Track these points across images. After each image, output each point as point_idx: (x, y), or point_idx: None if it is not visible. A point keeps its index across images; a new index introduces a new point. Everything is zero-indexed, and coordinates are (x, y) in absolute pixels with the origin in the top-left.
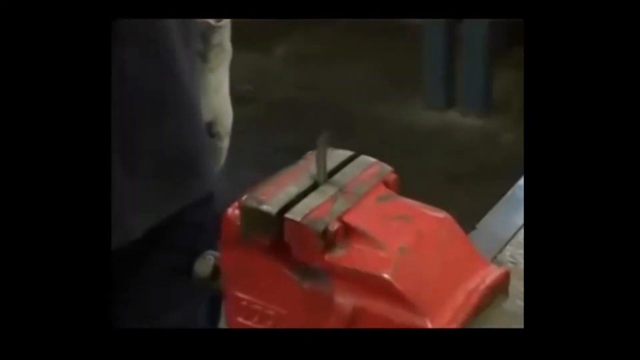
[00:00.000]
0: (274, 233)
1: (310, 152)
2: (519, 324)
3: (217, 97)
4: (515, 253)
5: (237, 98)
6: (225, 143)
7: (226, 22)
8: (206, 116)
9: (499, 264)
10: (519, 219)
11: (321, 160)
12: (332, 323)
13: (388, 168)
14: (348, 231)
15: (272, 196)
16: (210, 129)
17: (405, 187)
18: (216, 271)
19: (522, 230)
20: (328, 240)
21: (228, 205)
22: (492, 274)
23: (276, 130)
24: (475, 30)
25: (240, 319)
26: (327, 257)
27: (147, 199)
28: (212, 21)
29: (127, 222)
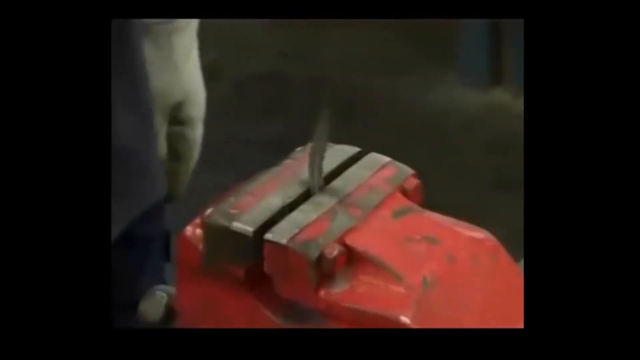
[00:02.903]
0: (249, 260)
1: (299, 148)
2: None
3: (187, 66)
4: None
5: None
6: (199, 131)
7: None
8: (175, 95)
9: None
10: None
11: (315, 160)
12: None
13: (408, 170)
14: (352, 258)
15: (247, 210)
16: (179, 114)
17: (432, 196)
18: (170, 313)
19: None
20: (324, 270)
21: (186, 222)
22: None
23: (251, 118)
24: None
25: None
26: (322, 293)
27: None
28: None
29: None
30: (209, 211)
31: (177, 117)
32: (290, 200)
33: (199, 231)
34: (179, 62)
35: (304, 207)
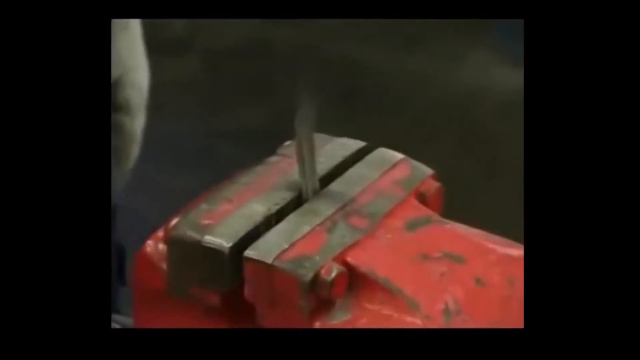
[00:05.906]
0: (226, 284)
1: (289, 142)
2: None
3: (125, 37)
4: None
5: (158, 45)
6: (138, 121)
7: None
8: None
9: None
10: None
11: (307, 157)
12: None
13: (425, 170)
14: (355, 280)
15: (222, 220)
16: (115, 96)
17: (457, 202)
18: None
19: None
20: (320, 295)
21: (145, 237)
22: None
23: (227, 103)
24: None
25: None
26: (318, 325)
27: None
28: None
29: None
30: (174, 222)
31: (112, 100)
32: (277, 207)
33: (162, 247)
34: (115, 29)
35: (294, 216)
